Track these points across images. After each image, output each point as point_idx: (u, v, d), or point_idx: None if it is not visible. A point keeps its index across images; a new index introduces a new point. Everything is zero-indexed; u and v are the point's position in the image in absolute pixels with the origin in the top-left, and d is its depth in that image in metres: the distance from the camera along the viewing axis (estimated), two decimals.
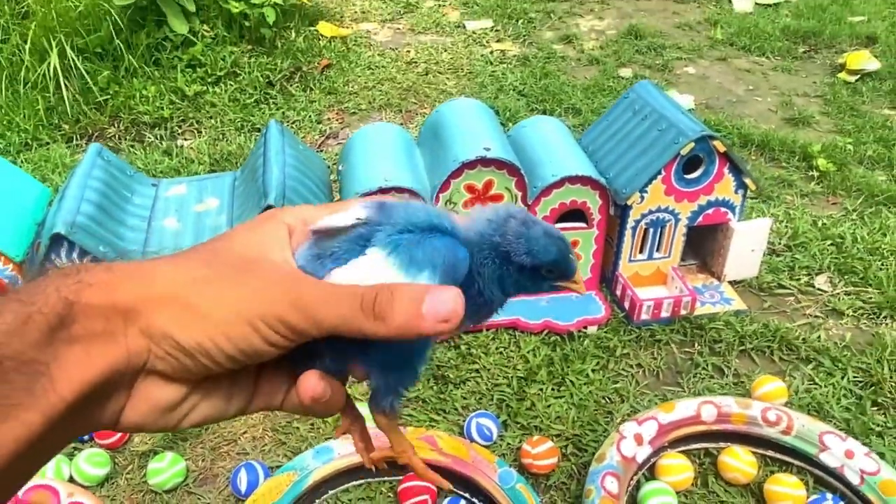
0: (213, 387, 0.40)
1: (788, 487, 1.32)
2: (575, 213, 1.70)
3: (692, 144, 1.63)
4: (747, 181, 1.72)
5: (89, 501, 1.28)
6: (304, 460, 1.33)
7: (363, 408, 0.48)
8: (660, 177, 1.66)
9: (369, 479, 1.39)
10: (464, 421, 1.49)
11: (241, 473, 1.36)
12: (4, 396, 0.32)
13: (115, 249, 1.52)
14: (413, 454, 0.48)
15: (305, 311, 0.37)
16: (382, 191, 1.57)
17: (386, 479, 1.39)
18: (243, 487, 1.34)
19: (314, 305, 0.37)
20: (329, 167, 2.01)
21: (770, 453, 1.42)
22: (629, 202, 1.68)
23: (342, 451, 1.35)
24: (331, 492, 1.36)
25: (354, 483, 1.38)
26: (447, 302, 0.37)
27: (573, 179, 1.63)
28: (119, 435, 1.46)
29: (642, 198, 1.68)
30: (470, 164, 1.58)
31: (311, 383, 0.39)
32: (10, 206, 1.61)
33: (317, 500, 1.33)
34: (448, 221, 0.43)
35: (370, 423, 0.47)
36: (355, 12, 3.65)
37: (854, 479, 1.31)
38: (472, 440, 1.43)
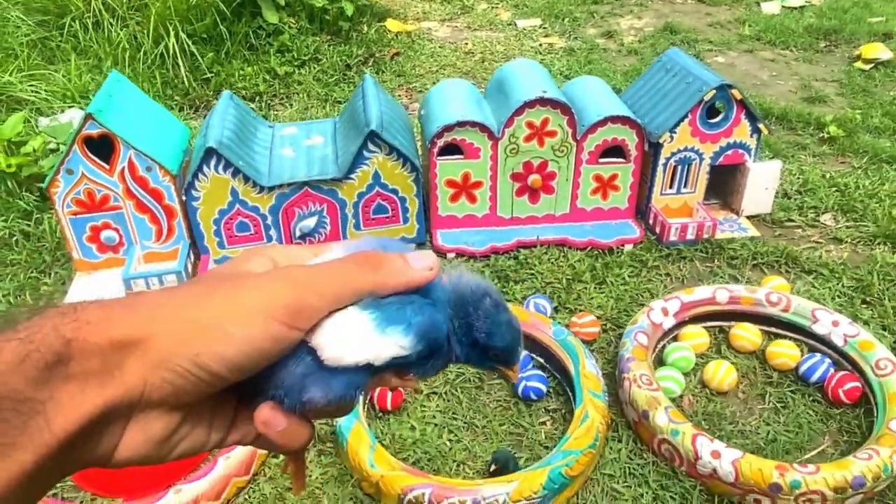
0: (198, 418, 0.41)
1: (785, 348, 1.66)
2: (615, 150, 2.07)
3: (714, 91, 1.98)
4: (760, 126, 2.06)
5: None
6: None
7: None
8: (686, 119, 2.02)
9: None
10: (520, 305, 1.85)
11: None
12: (0, 435, 0.32)
13: (249, 165, 1.93)
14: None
15: (309, 288, 0.40)
16: (460, 124, 1.96)
17: None
18: None
19: (317, 281, 0.40)
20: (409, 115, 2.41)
21: (772, 329, 1.75)
22: (661, 140, 2.04)
23: None
24: None
25: None
26: (428, 255, 0.43)
27: (614, 119, 2.00)
28: None
29: (672, 137, 2.04)
30: (530, 104, 1.96)
31: (264, 412, 0.41)
32: (164, 135, 2.03)
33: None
34: (439, 289, 0.45)
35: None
36: (417, 12, 4.08)
37: (839, 342, 1.64)
38: None
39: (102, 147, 1.87)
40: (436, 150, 2.00)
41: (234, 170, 1.89)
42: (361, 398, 0.48)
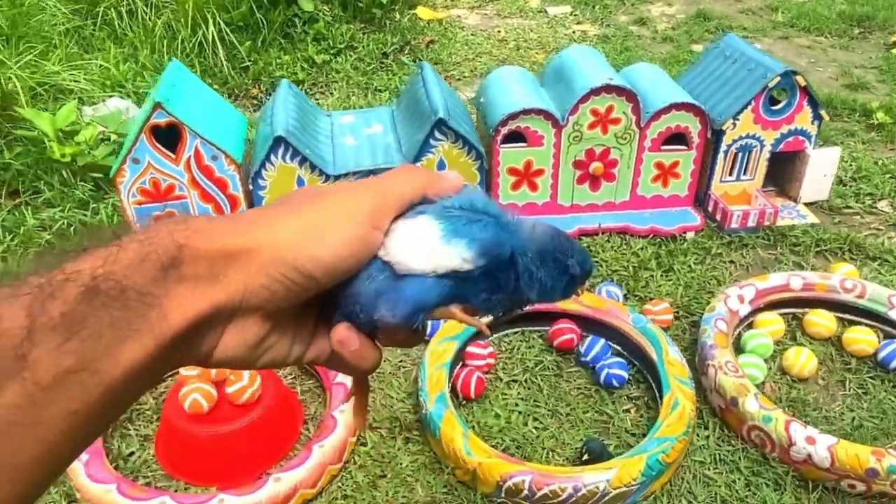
0: (283, 329, 0.45)
1: (863, 334, 1.66)
2: (677, 138, 2.06)
3: (778, 78, 1.98)
4: (822, 112, 2.06)
5: None
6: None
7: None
8: (750, 107, 2.01)
9: (524, 328, 1.76)
10: (595, 292, 1.85)
11: None
12: (126, 321, 0.36)
13: (315, 153, 1.92)
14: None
15: (383, 192, 0.45)
16: (525, 112, 1.95)
17: (537, 328, 1.75)
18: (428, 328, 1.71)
19: (387, 185, 0.46)
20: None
21: (846, 315, 1.75)
22: (724, 128, 2.03)
23: None
24: (493, 335, 1.73)
25: (513, 330, 1.75)
26: (455, 174, 0.49)
27: (678, 106, 1.99)
28: None
29: (734, 124, 2.03)
30: (596, 91, 1.95)
31: (340, 330, 0.46)
32: (225, 124, 2.02)
33: (483, 340, 1.70)
34: (494, 206, 0.48)
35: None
36: (446, 0, 4.06)
37: None
38: None
39: (166, 136, 1.86)
40: (499, 137, 1.99)
41: (301, 158, 1.88)
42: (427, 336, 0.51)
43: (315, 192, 0.45)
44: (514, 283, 0.47)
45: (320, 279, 0.42)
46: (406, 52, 3.32)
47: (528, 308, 0.51)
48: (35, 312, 0.35)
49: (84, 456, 1.38)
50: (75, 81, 2.81)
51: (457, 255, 0.44)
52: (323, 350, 0.47)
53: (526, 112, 1.95)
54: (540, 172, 2.06)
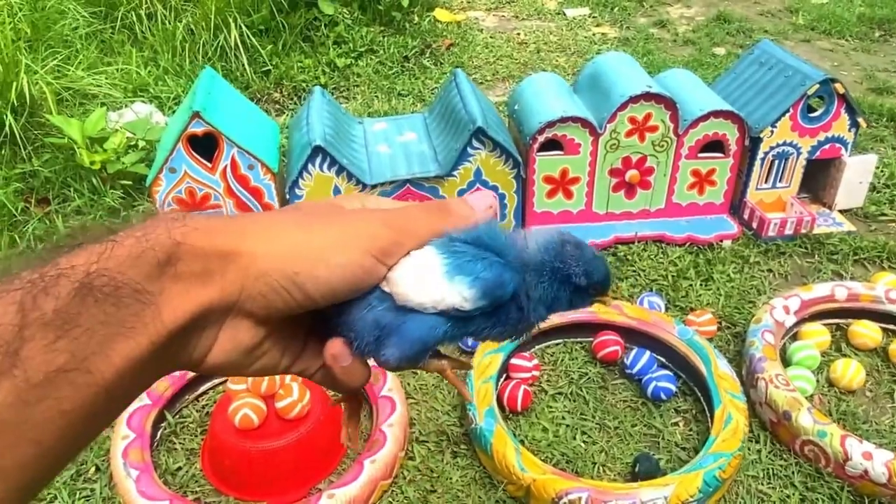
0: (277, 338, 0.44)
1: None
2: (714, 145, 2.05)
3: (817, 86, 1.96)
4: (860, 120, 2.05)
5: None
6: None
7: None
8: (788, 114, 2.00)
9: (566, 339, 1.74)
10: (633, 303, 1.83)
11: None
12: (120, 319, 0.35)
13: (352, 163, 1.90)
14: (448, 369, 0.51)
15: (399, 229, 0.44)
16: (563, 120, 1.93)
17: (580, 339, 1.74)
18: (469, 341, 1.70)
19: (404, 222, 0.44)
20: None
21: (891, 326, 1.74)
22: (762, 135, 2.02)
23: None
24: (536, 346, 1.72)
25: (555, 341, 1.74)
26: (485, 196, 0.48)
27: (717, 113, 1.98)
28: None
29: (772, 132, 2.02)
30: (635, 99, 1.93)
31: (335, 345, 0.45)
32: (260, 132, 2.00)
33: (526, 352, 1.68)
34: (502, 239, 0.46)
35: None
36: (462, 2, 4.04)
37: None
38: None
39: (202, 145, 1.84)
40: (536, 146, 1.97)
41: (339, 168, 1.86)
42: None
43: (329, 210, 0.44)
44: (517, 313, 0.47)
45: (318, 300, 0.41)
46: (427, 55, 3.31)
47: (548, 322, 0.50)
48: (27, 308, 0.34)
49: (133, 472, 1.36)
50: (98, 86, 2.79)
51: (457, 294, 0.44)
52: (310, 364, 0.47)
53: (563, 120, 1.94)
54: (576, 180, 2.05)
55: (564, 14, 3.85)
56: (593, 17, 3.82)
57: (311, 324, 0.46)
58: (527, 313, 0.47)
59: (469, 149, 1.90)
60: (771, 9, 3.90)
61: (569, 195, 2.07)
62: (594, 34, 3.60)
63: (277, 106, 2.97)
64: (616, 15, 3.81)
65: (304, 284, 0.40)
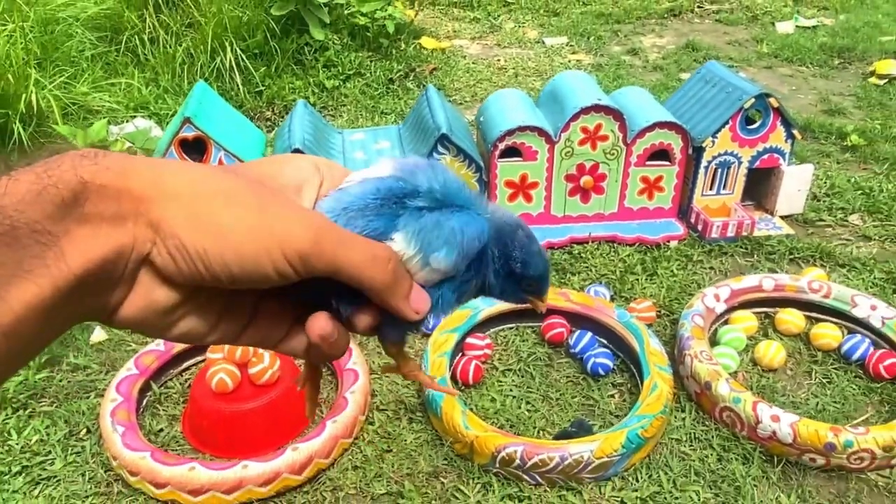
0: (206, 304, 0.41)
1: (828, 329, 1.82)
2: (661, 154, 2.24)
3: (753, 100, 2.16)
4: (794, 132, 2.24)
5: None
6: (476, 301, 1.87)
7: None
8: (727, 126, 2.20)
9: (518, 324, 1.92)
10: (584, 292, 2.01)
11: None
12: (17, 261, 0.33)
13: None
14: (419, 372, 0.52)
15: (324, 251, 0.38)
16: (521, 129, 2.13)
17: (531, 324, 1.91)
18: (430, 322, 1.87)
19: (334, 247, 0.39)
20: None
21: (813, 314, 1.91)
22: (703, 145, 2.21)
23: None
24: (491, 329, 1.89)
25: (508, 325, 1.91)
26: (426, 301, 0.43)
27: (662, 125, 2.17)
28: None
29: (713, 142, 2.21)
30: (586, 110, 2.13)
31: (321, 322, 0.41)
32: (246, 138, 2.20)
33: (485, 332, 1.85)
34: (473, 195, 0.45)
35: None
36: (448, 31, 4.29)
37: (877, 324, 1.80)
38: None
39: (192, 150, 2.04)
40: (497, 152, 2.17)
41: None
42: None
43: (265, 190, 0.40)
44: (479, 271, 0.46)
45: (224, 282, 0.38)
46: (411, 78, 3.53)
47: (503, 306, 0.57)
48: None
49: (120, 428, 1.53)
50: (102, 102, 3.01)
51: (439, 271, 0.43)
52: (269, 337, 0.43)
53: (522, 129, 2.13)
54: (534, 185, 2.24)
55: (543, 42, 4.09)
56: (570, 45, 4.05)
57: (260, 295, 0.42)
58: (488, 276, 0.47)
59: (435, 153, 2.09)
60: (739, 38, 4.13)
61: (528, 199, 2.26)
62: (569, 60, 3.83)
63: (269, 123, 3.18)
64: (592, 44, 4.04)
65: (210, 264, 0.37)
